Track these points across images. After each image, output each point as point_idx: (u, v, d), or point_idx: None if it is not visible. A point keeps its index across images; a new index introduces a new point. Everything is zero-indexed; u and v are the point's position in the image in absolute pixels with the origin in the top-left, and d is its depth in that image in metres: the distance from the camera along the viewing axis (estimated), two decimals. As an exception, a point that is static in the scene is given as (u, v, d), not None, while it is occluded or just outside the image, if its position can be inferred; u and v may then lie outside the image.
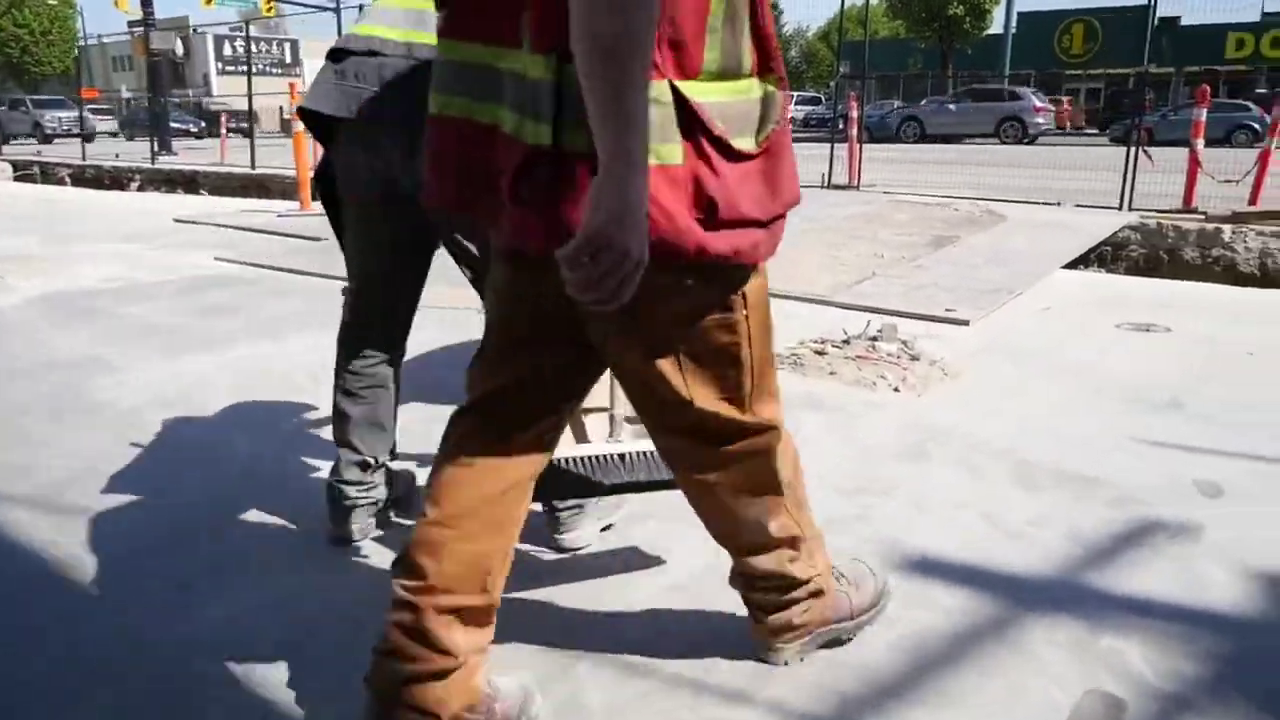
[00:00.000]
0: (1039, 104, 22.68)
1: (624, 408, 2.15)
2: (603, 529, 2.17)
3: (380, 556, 2.11)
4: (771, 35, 1.28)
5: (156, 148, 17.47)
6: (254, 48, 46.32)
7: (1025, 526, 2.24)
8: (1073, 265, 6.60)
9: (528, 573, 1.99)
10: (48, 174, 17.10)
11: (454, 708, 1.42)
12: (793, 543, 1.60)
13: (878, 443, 2.83)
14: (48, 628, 1.83)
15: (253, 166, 14.75)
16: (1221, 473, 2.57)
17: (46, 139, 25.07)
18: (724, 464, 1.50)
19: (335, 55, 1.96)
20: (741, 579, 1.66)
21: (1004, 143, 21.62)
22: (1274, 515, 2.32)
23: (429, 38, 1.81)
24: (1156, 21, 10.68)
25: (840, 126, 12.32)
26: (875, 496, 2.42)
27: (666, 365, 1.37)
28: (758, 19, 1.26)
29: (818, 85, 42.75)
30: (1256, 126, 20.28)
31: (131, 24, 20.92)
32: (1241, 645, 1.76)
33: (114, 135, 27.71)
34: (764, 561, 1.59)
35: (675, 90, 1.17)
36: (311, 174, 2.15)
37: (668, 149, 1.17)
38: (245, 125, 19.70)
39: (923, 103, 25.27)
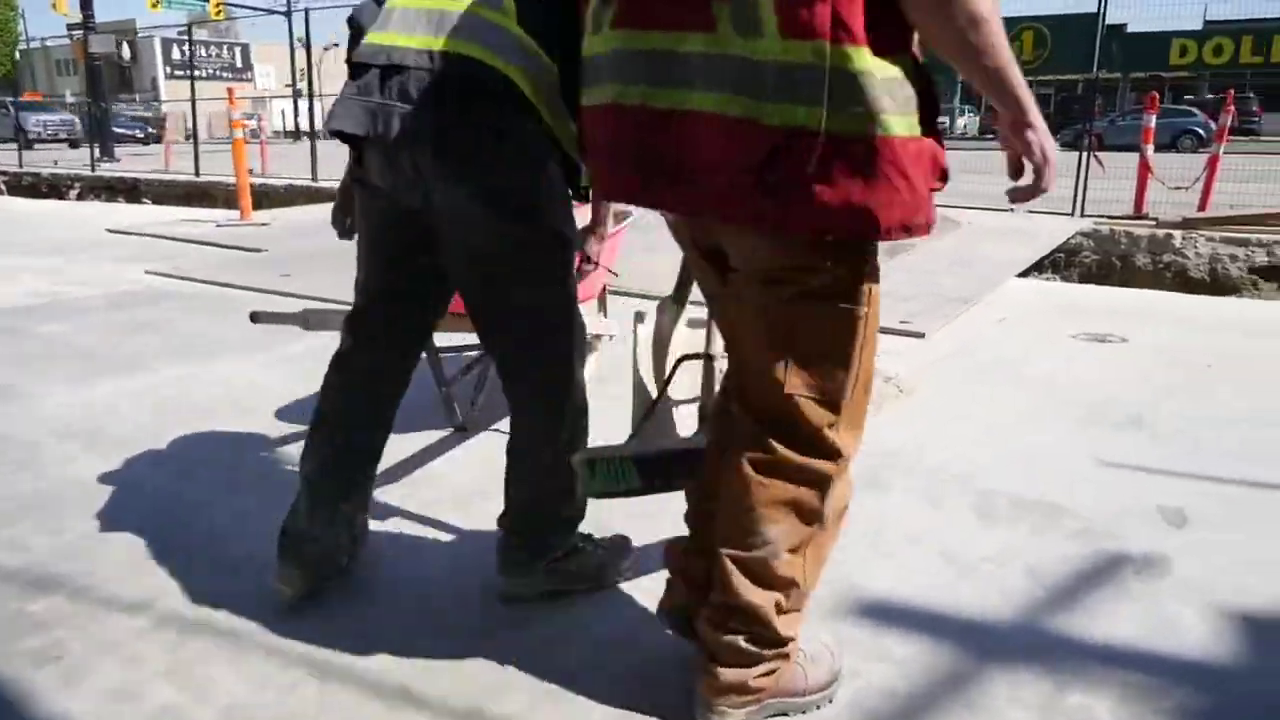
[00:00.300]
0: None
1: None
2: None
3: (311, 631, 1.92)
4: None
5: (98, 154, 16.96)
6: (204, 52, 45.65)
7: (984, 563, 2.11)
8: (1026, 272, 6.56)
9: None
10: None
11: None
12: (789, 588, 1.47)
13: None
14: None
15: (197, 173, 14.37)
16: (1185, 498, 2.47)
17: (29, 144, 22.35)
18: (779, 468, 1.41)
19: (354, 70, 1.76)
20: (715, 614, 1.48)
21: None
22: (1238, 544, 2.22)
23: (454, 44, 1.64)
24: (1104, 29, 10.73)
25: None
26: (827, 532, 2.28)
27: (775, 344, 1.37)
28: None
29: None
30: (1201, 132, 20.66)
31: (71, 27, 20.38)
32: (1216, 697, 1.64)
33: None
34: (754, 595, 1.44)
35: (918, 66, 1.26)
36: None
37: (913, 121, 1.25)
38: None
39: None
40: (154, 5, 24.32)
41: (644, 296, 4.41)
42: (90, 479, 2.60)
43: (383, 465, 2.66)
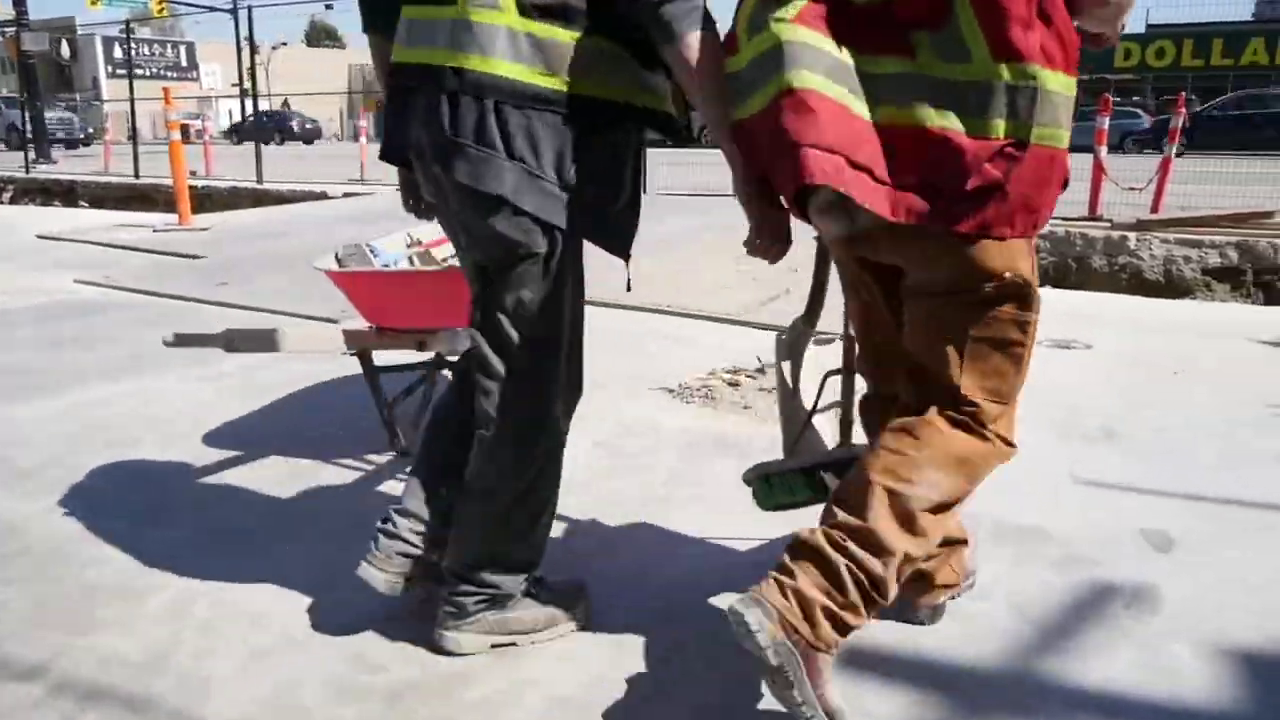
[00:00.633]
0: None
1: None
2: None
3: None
4: None
5: (33, 155, 16.36)
6: (147, 50, 44.57)
7: (966, 598, 1.97)
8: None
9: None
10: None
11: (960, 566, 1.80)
12: (916, 544, 1.48)
13: (799, 493, 2.54)
14: None
15: (136, 176, 13.89)
16: (1168, 519, 2.35)
17: (23, 144, 19.23)
18: (955, 433, 1.52)
19: (389, 93, 1.74)
20: (836, 532, 1.49)
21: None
22: (1227, 568, 2.11)
23: (449, 56, 1.57)
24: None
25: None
26: (798, 566, 2.12)
27: (952, 346, 1.49)
28: None
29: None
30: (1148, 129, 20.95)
31: (3, 24, 19.65)
32: (1223, 751, 1.52)
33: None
34: (886, 529, 1.47)
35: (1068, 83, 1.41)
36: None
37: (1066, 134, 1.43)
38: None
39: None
40: (93, 3, 23.59)
41: (601, 305, 4.24)
42: (-9, 517, 2.37)
43: (315, 498, 2.46)
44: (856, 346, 1.84)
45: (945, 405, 1.51)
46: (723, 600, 1.96)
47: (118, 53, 45.30)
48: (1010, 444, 1.56)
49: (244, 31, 13.31)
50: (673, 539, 2.28)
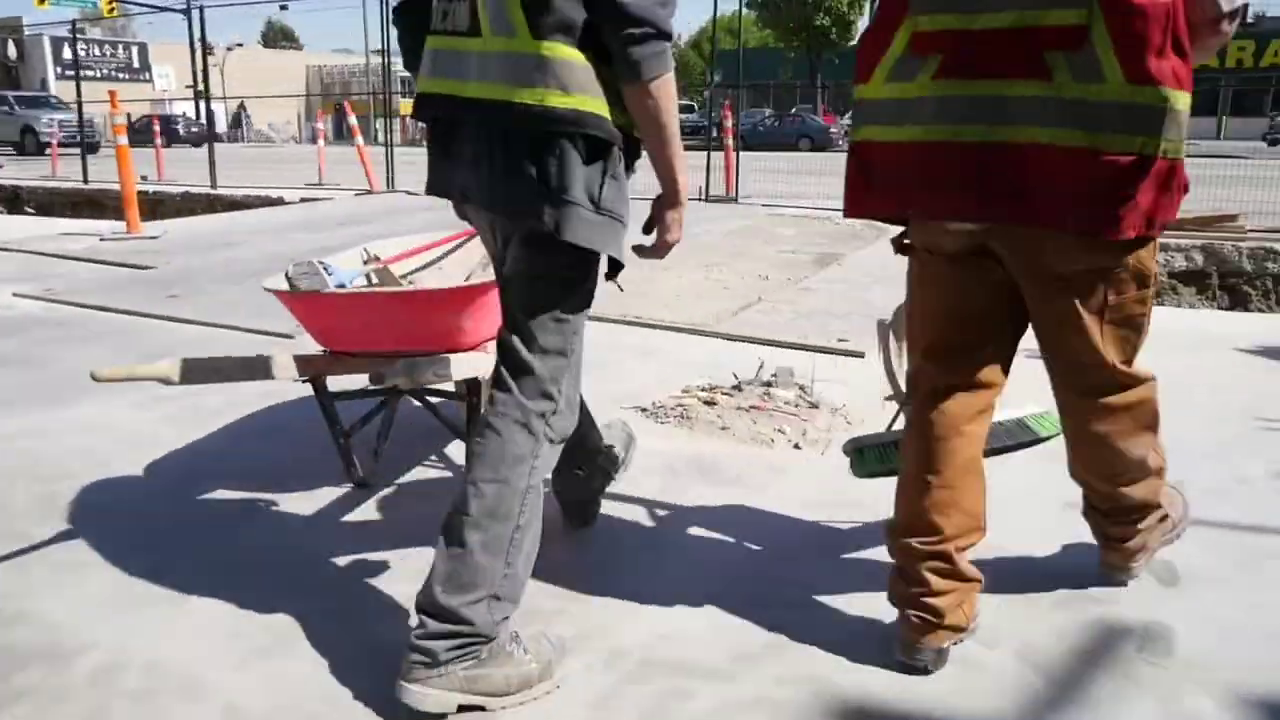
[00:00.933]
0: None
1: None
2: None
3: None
4: None
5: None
6: (98, 51, 43.57)
7: (972, 646, 1.84)
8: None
9: None
10: None
11: (971, 610, 1.81)
12: (1159, 473, 1.92)
13: (784, 526, 2.40)
14: None
15: (85, 180, 13.48)
16: (1169, 548, 2.23)
17: (41, 149, 17.87)
18: (1121, 412, 1.81)
19: (428, 132, 1.78)
20: (1103, 514, 1.98)
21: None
22: (1237, 602, 2.01)
23: (472, 87, 1.61)
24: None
25: (715, 135, 12.10)
26: (790, 612, 1.97)
27: (1095, 333, 1.73)
28: None
29: (690, 94, 42.97)
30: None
31: (-55, 24, 19.00)
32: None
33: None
34: (1137, 491, 1.91)
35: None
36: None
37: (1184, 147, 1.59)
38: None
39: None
40: (40, 2, 22.95)
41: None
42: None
43: (264, 540, 2.28)
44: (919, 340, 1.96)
45: (1093, 382, 1.79)
46: (705, 651, 1.81)
47: (67, 54, 44.30)
48: (1152, 377, 1.84)
49: (197, 32, 12.94)
50: (655, 581, 2.13)
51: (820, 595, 2.04)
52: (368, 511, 2.49)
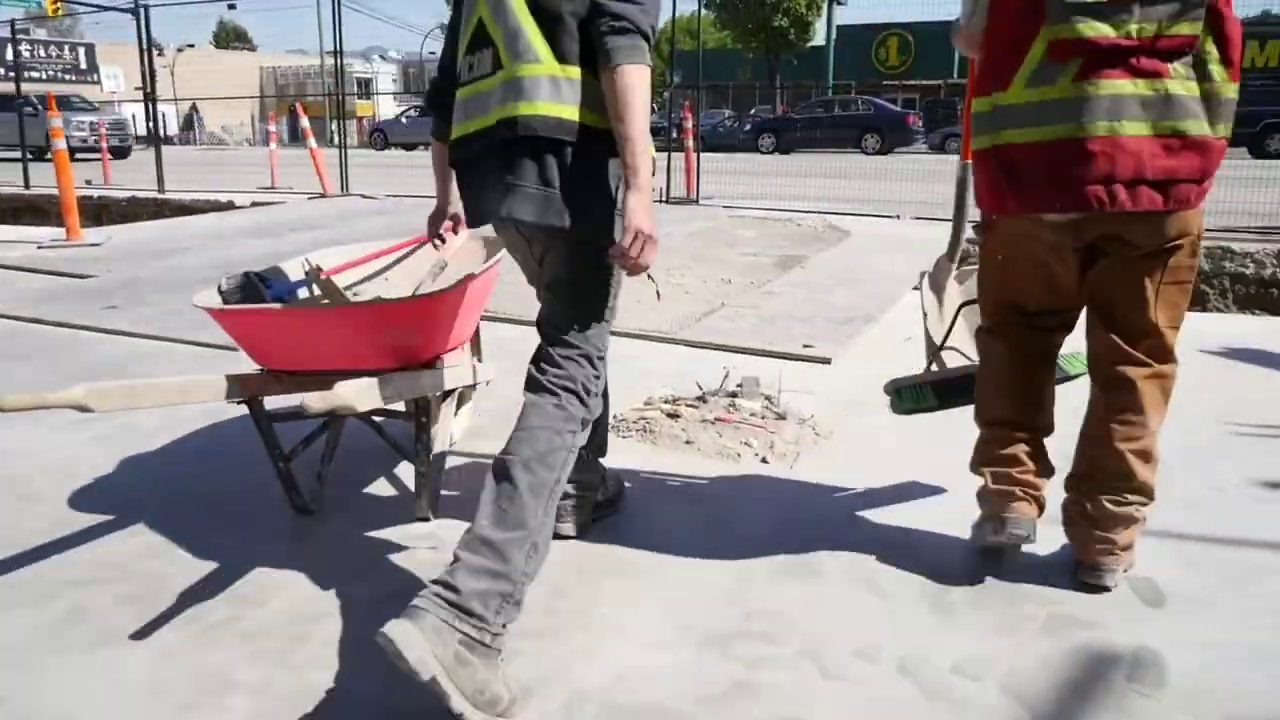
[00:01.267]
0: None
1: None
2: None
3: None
4: None
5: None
6: (43, 52, 42.46)
7: (953, 677, 1.73)
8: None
9: None
10: None
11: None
12: (1156, 465, 2.06)
13: (751, 546, 2.28)
14: None
15: (26, 186, 13.03)
16: (1149, 564, 2.15)
17: (71, 154, 16.80)
18: (1155, 380, 2.00)
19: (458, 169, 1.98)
20: (1116, 494, 2.03)
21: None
22: (1226, 620, 1.93)
23: (528, 106, 1.74)
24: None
25: (675, 135, 12.00)
26: (759, 646, 1.85)
27: (1150, 297, 1.96)
28: None
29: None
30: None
31: (-123, 24, 18.30)
32: None
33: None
34: (1141, 468, 2.02)
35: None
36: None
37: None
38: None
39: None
40: (-21, 1, 22.21)
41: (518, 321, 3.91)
42: None
43: (196, 577, 2.12)
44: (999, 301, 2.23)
45: (1138, 342, 1.99)
46: (677, 692, 1.69)
47: (9, 54, 43.14)
48: (1176, 360, 2.04)
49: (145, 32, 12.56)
50: (617, 614, 2.00)
51: (792, 626, 1.93)
52: (311, 542, 2.33)
